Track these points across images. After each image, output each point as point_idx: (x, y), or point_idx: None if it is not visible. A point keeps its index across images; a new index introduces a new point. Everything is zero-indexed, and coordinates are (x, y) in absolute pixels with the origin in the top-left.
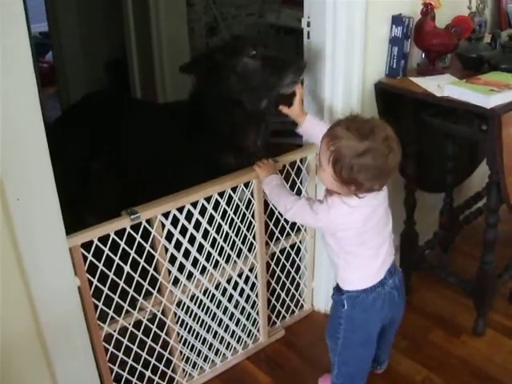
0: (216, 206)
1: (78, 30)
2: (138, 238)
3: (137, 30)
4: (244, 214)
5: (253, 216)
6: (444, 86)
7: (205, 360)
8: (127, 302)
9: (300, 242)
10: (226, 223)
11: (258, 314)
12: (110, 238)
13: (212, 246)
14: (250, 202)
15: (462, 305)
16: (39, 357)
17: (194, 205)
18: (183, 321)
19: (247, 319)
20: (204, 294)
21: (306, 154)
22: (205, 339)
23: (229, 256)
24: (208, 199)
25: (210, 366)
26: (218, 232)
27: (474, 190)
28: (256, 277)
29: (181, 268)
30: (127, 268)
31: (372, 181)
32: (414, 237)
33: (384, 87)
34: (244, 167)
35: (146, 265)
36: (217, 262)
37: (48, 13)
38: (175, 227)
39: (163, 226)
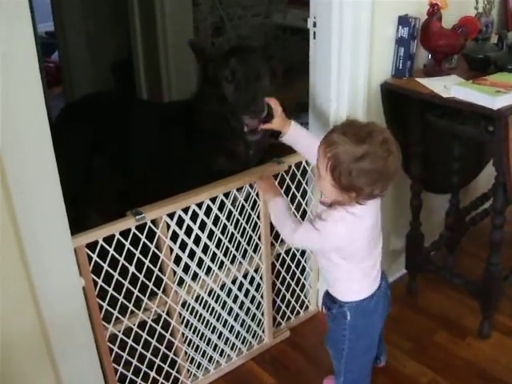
0: (221, 207)
1: (84, 29)
2: (143, 239)
3: (143, 29)
4: (249, 215)
5: (258, 217)
6: (450, 87)
7: (209, 361)
8: (132, 303)
9: None
10: (231, 224)
11: (262, 314)
12: (115, 239)
13: (217, 246)
14: (255, 202)
15: (467, 306)
16: (43, 357)
17: (200, 205)
18: (188, 321)
19: (252, 320)
20: (209, 295)
21: None
22: (210, 340)
23: (234, 257)
24: (213, 200)
25: (214, 367)
26: (223, 233)
27: (480, 191)
28: (261, 278)
29: (186, 268)
30: (132, 268)
31: (372, 185)
32: (420, 238)
33: (390, 88)
34: (237, 172)
35: (151, 265)
36: (222, 262)
37: (54, 12)
38: (180, 228)
39: (168, 226)
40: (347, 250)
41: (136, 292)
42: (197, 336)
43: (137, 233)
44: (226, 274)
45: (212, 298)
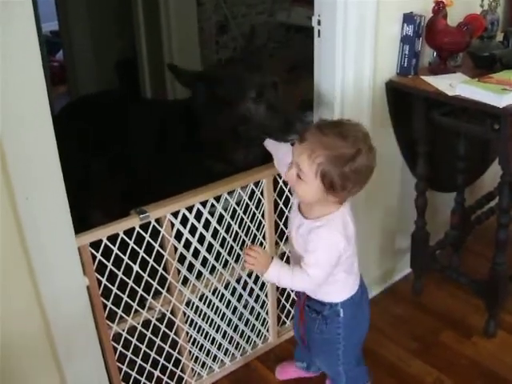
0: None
1: (89, 29)
2: (147, 238)
3: (147, 29)
4: (254, 214)
5: (263, 216)
6: (456, 85)
7: (214, 360)
8: (136, 302)
9: None
10: (235, 223)
11: (267, 313)
12: (119, 238)
13: (221, 245)
14: (259, 201)
15: (472, 305)
16: (48, 356)
17: (204, 204)
18: (192, 320)
19: (256, 319)
20: (213, 294)
21: None
22: (214, 339)
23: (238, 255)
24: (217, 198)
25: (219, 366)
26: (227, 231)
27: (485, 189)
28: None
29: (190, 267)
30: (136, 267)
31: (363, 183)
32: (425, 237)
33: (395, 86)
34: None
35: (155, 264)
36: (226, 261)
37: (59, 12)
38: (184, 226)
39: (172, 225)
40: (345, 256)
41: (140, 291)
42: (201, 335)
43: (141, 232)
44: (230, 273)
45: (216, 297)
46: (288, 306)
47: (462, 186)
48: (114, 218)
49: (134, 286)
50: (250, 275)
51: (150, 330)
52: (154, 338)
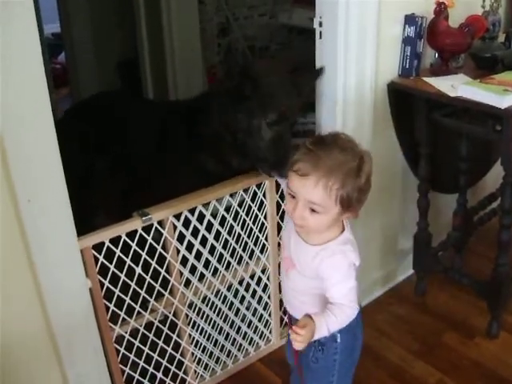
0: (228, 208)
1: (91, 30)
2: (150, 240)
3: (149, 30)
4: (256, 216)
5: (265, 217)
6: (457, 86)
7: (216, 362)
8: (139, 304)
9: None
10: (237, 224)
11: (270, 315)
12: (122, 240)
13: (224, 247)
14: (262, 203)
15: (475, 307)
16: (50, 358)
17: (206, 206)
18: (195, 322)
19: (259, 321)
20: (216, 296)
21: None
22: (216, 341)
23: (241, 257)
24: (220, 200)
25: (221, 368)
26: (229, 233)
27: (488, 190)
28: (268, 278)
29: (192, 269)
30: (138, 269)
31: (370, 187)
32: (428, 238)
33: (397, 87)
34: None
35: (157, 266)
36: (229, 263)
37: (60, 14)
38: (187, 229)
39: (175, 227)
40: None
41: (143, 293)
42: (204, 337)
43: (143, 234)
44: (232, 275)
45: (219, 299)
46: None
47: (465, 187)
48: (115, 218)
49: (136, 288)
50: (252, 277)
51: (152, 332)
52: (156, 339)
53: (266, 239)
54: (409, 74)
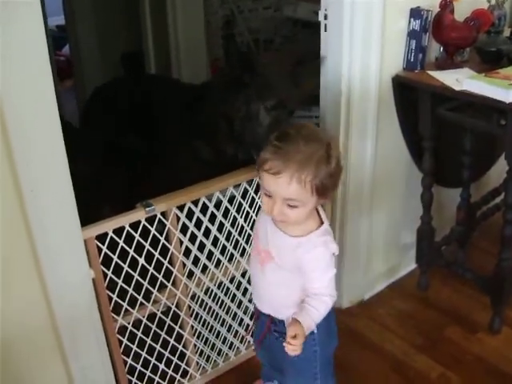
0: (231, 199)
1: (95, 23)
2: (153, 231)
3: (153, 22)
4: (259, 207)
5: None
6: (462, 80)
7: (218, 354)
8: (141, 295)
9: None
10: (241, 216)
11: None
12: (125, 231)
13: (227, 239)
14: None
15: (478, 301)
16: (54, 349)
17: (209, 197)
18: (197, 314)
19: None
20: (218, 288)
21: None
22: (219, 333)
23: (244, 249)
24: (223, 192)
25: (223, 360)
26: (233, 225)
27: (491, 185)
28: None
29: (195, 261)
30: (142, 260)
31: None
32: (431, 232)
33: (402, 81)
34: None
35: (160, 257)
36: (232, 255)
37: (65, 6)
38: (190, 220)
39: (178, 218)
40: None
41: (145, 284)
42: (206, 329)
43: (147, 225)
44: (235, 267)
45: (221, 291)
46: None
47: (468, 182)
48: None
49: (139, 279)
50: None
51: (155, 324)
52: (159, 331)
53: None
54: (414, 68)
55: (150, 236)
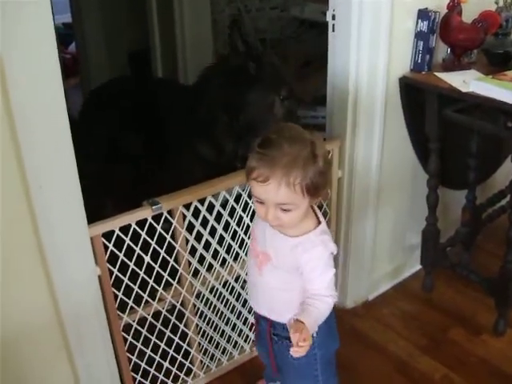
0: (237, 198)
1: (101, 20)
2: (159, 229)
3: (160, 21)
4: None
5: None
6: (470, 82)
7: (223, 352)
8: (147, 293)
9: None
10: (247, 216)
11: None
12: (131, 228)
13: (233, 238)
14: None
15: (482, 303)
16: (59, 346)
17: (216, 196)
18: (202, 312)
19: None
20: (224, 286)
21: (331, 147)
22: (223, 331)
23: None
24: (230, 191)
25: (227, 359)
26: (239, 224)
27: (497, 187)
28: None
29: (201, 259)
30: (147, 258)
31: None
32: (436, 233)
33: (409, 82)
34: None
35: (166, 255)
36: (237, 254)
37: (71, 4)
38: (196, 219)
39: (184, 217)
40: None
41: (151, 282)
42: (210, 327)
43: (153, 223)
44: (240, 266)
45: (226, 290)
46: None
47: (474, 184)
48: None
49: (145, 276)
50: None
51: (160, 322)
52: (163, 329)
53: None
54: (421, 69)
55: (156, 234)
